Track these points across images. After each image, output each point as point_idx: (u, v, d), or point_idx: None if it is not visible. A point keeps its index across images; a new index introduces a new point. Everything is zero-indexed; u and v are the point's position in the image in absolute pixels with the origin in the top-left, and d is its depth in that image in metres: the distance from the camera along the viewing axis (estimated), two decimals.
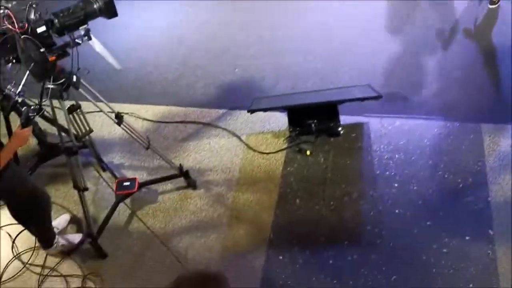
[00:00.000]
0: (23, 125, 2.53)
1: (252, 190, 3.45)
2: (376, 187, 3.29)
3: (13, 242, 3.40)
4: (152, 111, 4.13)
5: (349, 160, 3.49)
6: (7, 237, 3.44)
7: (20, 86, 2.58)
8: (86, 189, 3.00)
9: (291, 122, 3.67)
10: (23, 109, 2.55)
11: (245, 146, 3.75)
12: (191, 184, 3.49)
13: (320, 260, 2.96)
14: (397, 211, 3.14)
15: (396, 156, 3.47)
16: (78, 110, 2.82)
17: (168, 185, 3.56)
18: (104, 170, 3.71)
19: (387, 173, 3.37)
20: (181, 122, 4.01)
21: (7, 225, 3.46)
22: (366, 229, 3.07)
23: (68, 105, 2.75)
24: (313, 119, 3.56)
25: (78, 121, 2.86)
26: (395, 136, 3.61)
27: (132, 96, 4.30)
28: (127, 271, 3.13)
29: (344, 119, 3.66)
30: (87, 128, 2.96)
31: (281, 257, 3.02)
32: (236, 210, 3.34)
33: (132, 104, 4.19)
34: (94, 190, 3.63)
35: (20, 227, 3.28)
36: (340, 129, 3.60)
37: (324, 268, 2.91)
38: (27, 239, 3.37)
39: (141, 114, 4.13)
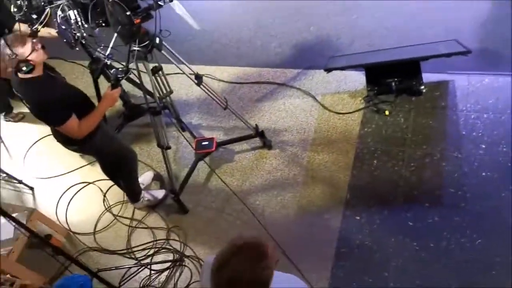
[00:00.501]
0: (113, 86, 2.70)
1: (327, 150, 3.42)
2: (461, 148, 3.12)
3: (104, 196, 3.69)
4: (227, 72, 4.19)
5: (431, 120, 3.33)
6: (98, 191, 3.75)
7: (109, 49, 2.73)
8: (168, 147, 3.15)
9: (369, 81, 3.54)
10: (111, 71, 2.70)
11: (321, 106, 3.70)
12: (267, 144, 3.54)
13: (399, 221, 2.90)
14: (483, 173, 2.97)
15: (484, 115, 3.25)
16: (160, 72, 2.93)
17: (244, 145, 3.63)
18: (183, 130, 3.84)
19: (474, 133, 3.17)
20: (256, 82, 4.03)
21: (98, 180, 3.75)
22: (449, 191, 2.94)
23: (151, 67, 2.86)
24: (393, 78, 3.41)
25: (160, 83, 2.98)
26: (483, 94, 3.37)
27: (208, 57, 4.37)
28: (207, 226, 3.29)
29: (427, 77, 3.47)
30: (168, 89, 3.08)
31: (358, 218, 3.00)
32: (312, 170, 3.35)
33: (208, 66, 4.27)
34: (175, 149, 3.80)
35: (110, 183, 3.55)
36: (422, 87, 3.42)
37: (403, 230, 2.85)
38: (116, 194, 3.65)
39: (217, 76, 4.20)
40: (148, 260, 3.21)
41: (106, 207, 3.61)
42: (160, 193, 3.51)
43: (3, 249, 3.01)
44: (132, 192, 3.41)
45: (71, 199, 3.75)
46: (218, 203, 3.37)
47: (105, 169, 3.20)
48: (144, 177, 3.63)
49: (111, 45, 2.72)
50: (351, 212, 3.04)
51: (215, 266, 1.38)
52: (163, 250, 3.25)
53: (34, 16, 2.88)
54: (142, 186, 3.50)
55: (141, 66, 2.81)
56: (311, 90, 3.82)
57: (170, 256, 3.20)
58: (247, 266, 1.34)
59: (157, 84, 2.95)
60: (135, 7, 2.53)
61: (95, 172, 3.77)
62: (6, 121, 4.47)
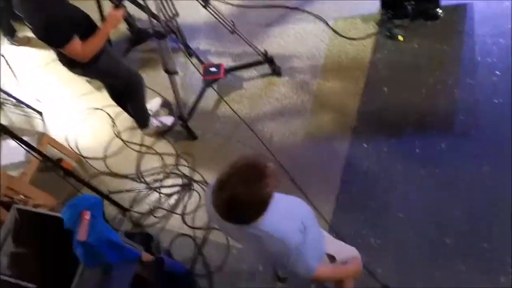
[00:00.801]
0: (116, 7, 2.60)
1: (337, 77, 3.35)
2: (475, 74, 3.02)
3: (113, 122, 3.71)
4: None
5: (446, 46, 3.20)
6: (107, 117, 3.76)
7: None
8: (176, 72, 3.10)
9: (384, 4, 3.38)
10: None
11: (332, 32, 3.57)
12: (276, 70, 3.46)
13: (406, 148, 2.90)
14: (496, 100, 2.90)
15: (501, 41, 3.11)
16: None
17: (253, 72, 3.57)
18: (190, 55, 3.76)
19: (489, 59, 3.06)
20: (266, 6, 3.85)
21: (106, 106, 3.75)
22: (460, 118, 2.90)
23: None
24: (409, 0, 3.24)
25: (165, 5, 2.86)
26: (502, 20, 3.20)
27: None
28: (215, 152, 3.32)
29: (445, 1, 3.30)
30: (174, 12, 2.97)
31: (365, 145, 3.00)
32: (321, 97, 3.30)
33: None
34: (182, 76, 3.74)
35: (118, 109, 3.55)
36: (439, 11, 3.26)
37: (410, 157, 2.85)
38: (125, 120, 3.66)
39: None
40: (157, 185, 3.29)
41: (116, 133, 3.64)
42: (168, 120, 3.52)
43: (14, 171, 3.08)
44: (141, 117, 3.41)
45: (79, 125, 3.79)
46: (226, 130, 3.38)
47: (112, 94, 3.19)
48: (152, 104, 3.61)
49: None
50: (359, 139, 3.03)
51: (215, 187, 1.39)
52: (172, 175, 3.31)
53: None
54: (150, 113, 3.50)
55: None
56: (323, 15, 3.67)
57: (179, 181, 3.27)
58: (245, 186, 1.34)
59: (162, 7, 2.85)
60: None
61: (103, 98, 3.76)
62: (11, 44, 4.40)
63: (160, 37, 2.89)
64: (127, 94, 3.20)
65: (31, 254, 2.18)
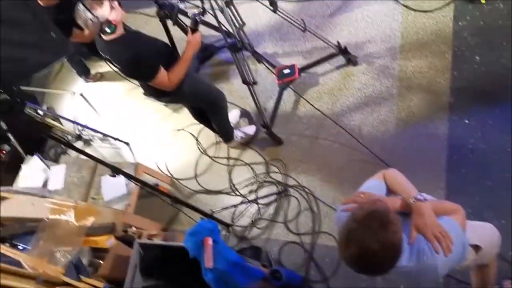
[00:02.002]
0: (193, 31, 2.60)
1: (420, 55, 3.17)
2: None
3: (197, 140, 3.76)
4: None
5: None
6: (189, 137, 3.82)
7: None
8: (255, 83, 3.07)
9: None
10: (190, 15, 2.60)
11: (404, 7, 3.38)
12: (352, 60, 3.34)
13: None
14: None
15: None
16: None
17: (327, 66, 3.46)
18: (259, 61, 3.73)
19: None
20: None
21: (187, 126, 3.82)
22: None
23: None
24: None
25: (232, 16, 2.84)
26: None
27: None
28: (304, 153, 3.27)
29: None
30: (241, 22, 2.94)
31: (467, 121, 2.81)
32: (406, 79, 3.14)
33: None
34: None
35: (198, 127, 3.62)
36: None
37: None
38: (207, 137, 3.71)
39: None
40: (253, 196, 3.30)
41: (201, 150, 3.69)
42: (251, 129, 3.51)
43: (119, 204, 3.21)
44: (225, 132, 3.43)
45: (165, 149, 3.88)
46: (311, 130, 3.31)
47: (195, 113, 3.21)
48: (231, 116, 3.62)
49: None
50: (458, 116, 2.85)
51: (342, 244, 1.36)
52: (266, 184, 3.31)
53: None
54: (231, 125, 3.52)
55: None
56: None
57: (274, 189, 3.25)
58: (373, 236, 1.31)
59: (231, 20, 2.82)
60: None
61: (183, 118, 3.84)
62: (87, 82, 4.61)
63: (235, 50, 2.88)
64: (211, 112, 3.22)
65: (162, 285, 2.25)
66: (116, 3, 2.35)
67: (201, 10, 2.56)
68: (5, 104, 1.65)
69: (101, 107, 4.41)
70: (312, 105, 3.22)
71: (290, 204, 3.15)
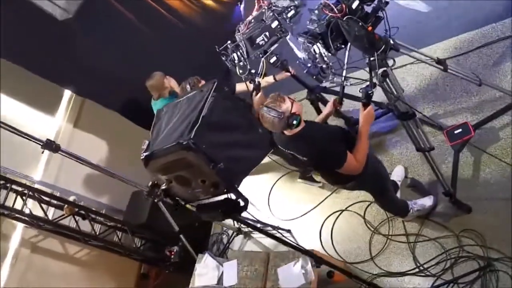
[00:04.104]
0: (366, 105, 2.52)
1: None
2: None
3: (364, 218, 3.53)
4: (441, 48, 3.69)
5: None
6: (354, 216, 3.60)
7: (344, 71, 2.59)
8: (432, 148, 2.83)
9: None
10: (359, 90, 2.53)
11: None
12: None
13: None
14: None
15: None
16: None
17: (505, 118, 3.10)
18: (418, 125, 3.52)
19: None
20: (483, 46, 3.46)
21: (350, 205, 3.64)
22: None
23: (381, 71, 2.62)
24: None
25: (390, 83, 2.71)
26: None
27: (411, 39, 3.91)
28: (503, 219, 2.83)
29: None
30: (401, 89, 2.80)
31: None
32: None
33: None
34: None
35: (360, 204, 3.47)
36: None
37: None
38: (375, 213, 3.47)
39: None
40: (449, 275, 2.89)
41: (372, 229, 3.44)
42: (428, 200, 3.19)
43: None
44: (398, 209, 3.16)
45: (332, 230, 3.70)
46: (505, 191, 2.90)
47: (375, 191, 3.00)
48: (396, 174, 3.41)
49: (345, 66, 2.59)
50: None
51: None
52: (462, 259, 2.90)
53: (253, 71, 2.97)
54: (398, 183, 3.30)
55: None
56: None
57: (474, 265, 2.83)
58: None
59: (392, 87, 2.69)
60: (364, 15, 2.35)
61: (341, 198, 3.70)
62: None
63: (407, 118, 2.72)
64: (379, 192, 3.00)
65: None
66: (292, 97, 2.39)
67: (371, 82, 2.49)
68: (228, 203, 1.66)
69: (257, 199, 4.41)
70: (504, 162, 2.84)
71: (499, 280, 2.69)
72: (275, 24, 2.89)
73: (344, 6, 2.23)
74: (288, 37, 3.01)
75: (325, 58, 2.33)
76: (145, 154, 1.68)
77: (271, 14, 2.91)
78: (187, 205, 1.84)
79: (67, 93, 4.91)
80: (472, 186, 3.06)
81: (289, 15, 2.89)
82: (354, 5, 2.26)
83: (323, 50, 2.30)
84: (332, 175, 2.56)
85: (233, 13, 6.53)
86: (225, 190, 1.64)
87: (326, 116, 2.92)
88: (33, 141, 2.83)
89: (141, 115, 4.84)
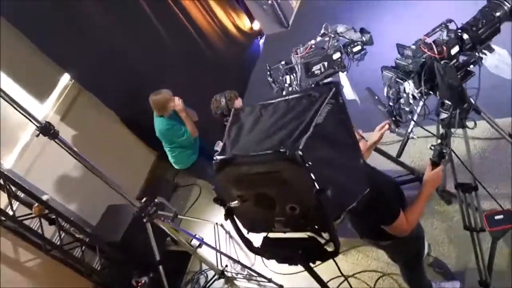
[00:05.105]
0: (435, 164, 2.20)
1: None
2: None
3: None
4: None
5: None
6: (362, 285, 3.22)
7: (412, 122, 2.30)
8: (482, 229, 2.53)
9: None
10: (430, 146, 2.23)
11: None
12: None
13: None
14: None
15: None
16: None
17: None
18: (449, 203, 3.26)
19: None
20: None
21: (358, 272, 3.27)
22: None
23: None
24: None
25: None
26: None
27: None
28: None
29: None
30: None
31: None
32: None
33: None
34: (445, 227, 3.18)
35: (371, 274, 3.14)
36: None
37: None
38: (389, 283, 3.10)
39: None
40: None
41: None
42: (455, 285, 2.86)
43: None
44: (425, 285, 2.80)
45: None
46: None
47: (407, 260, 2.63)
48: None
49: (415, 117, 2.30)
50: None
51: None
52: None
53: None
54: None
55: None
56: None
57: None
58: None
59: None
60: (458, 65, 2.10)
61: (348, 262, 3.34)
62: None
63: (468, 190, 2.43)
64: (410, 264, 2.66)
65: None
66: None
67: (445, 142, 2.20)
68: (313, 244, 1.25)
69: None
70: None
71: None
72: (337, 55, 2.62)
73: (445, 48, 1.96)
74: (344, 73, 2.73)
75: (411, 101, 2.02)
76: (221, 157, 1.27)
77: (335, 43, 2.64)
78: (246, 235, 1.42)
79: (63, 82, 4.43)
80: (504, 276, 2.76)
81: (354, 50, 2.64)
82: (453, 51, 2.01)
83: (414, 90, 1.99)
84: (369, 226, 2.19)
85: (251, 44, 6.35)
86: (318, 227, 1.23)
87: (374, 143, 2.61)
88: (31, 121, 2.40)
89: (141, 124, 4.41)
